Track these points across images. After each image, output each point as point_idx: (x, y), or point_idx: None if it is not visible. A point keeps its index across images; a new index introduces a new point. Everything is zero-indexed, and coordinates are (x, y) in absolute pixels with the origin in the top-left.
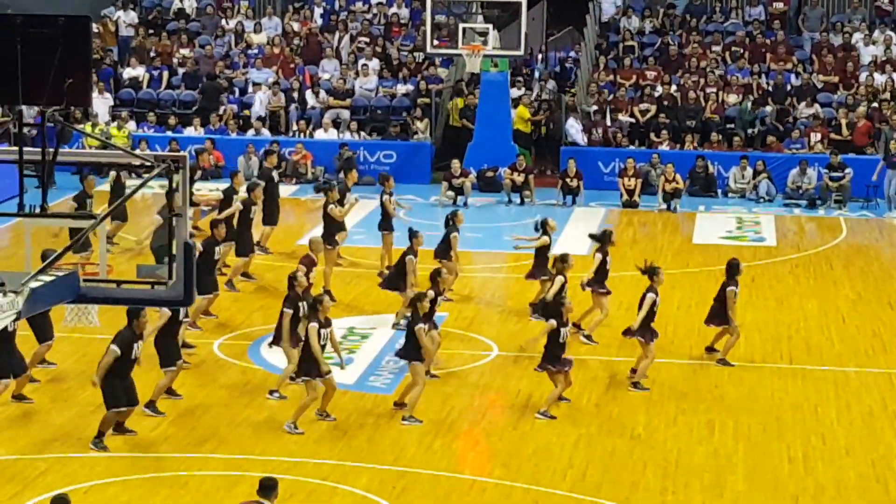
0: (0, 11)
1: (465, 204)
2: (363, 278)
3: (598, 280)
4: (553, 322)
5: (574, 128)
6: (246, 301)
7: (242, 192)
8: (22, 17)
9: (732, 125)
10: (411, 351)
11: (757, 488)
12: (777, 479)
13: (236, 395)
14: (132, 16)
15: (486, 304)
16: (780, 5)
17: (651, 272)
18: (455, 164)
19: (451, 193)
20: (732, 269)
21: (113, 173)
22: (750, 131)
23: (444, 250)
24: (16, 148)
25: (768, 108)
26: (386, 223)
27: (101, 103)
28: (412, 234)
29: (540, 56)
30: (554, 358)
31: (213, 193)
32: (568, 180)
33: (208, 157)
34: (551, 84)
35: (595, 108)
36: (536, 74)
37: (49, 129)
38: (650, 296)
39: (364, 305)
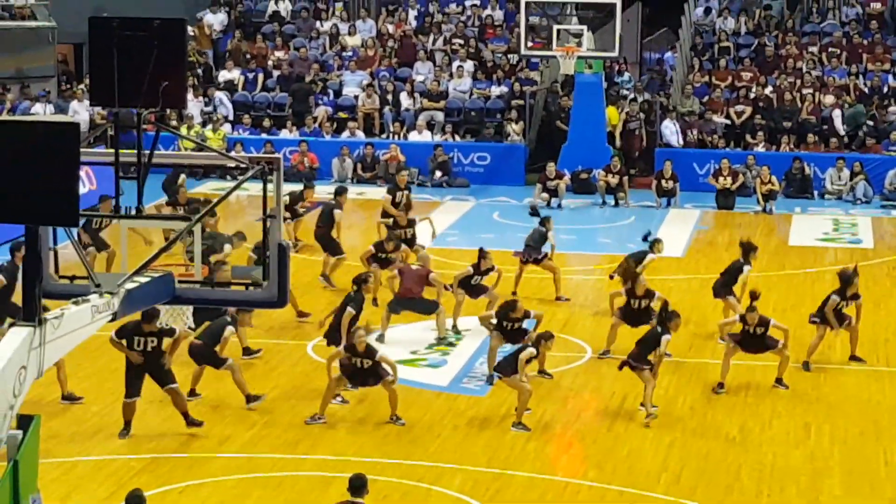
0: (97, 15)
1: (560, 206)
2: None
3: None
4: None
5: (669, 129)
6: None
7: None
8: (118, 21)
9: (828, 127)
10: (506, 368)
11: (853, 492)
12: (874, 483)
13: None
14: (221, 18)
15: (579, 307)
16: (878, 5)
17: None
18: (550, 166)
19: (545, 195)
20: (843, 281)
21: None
22: (859, 133)
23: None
24: (112, 150)
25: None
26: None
27: (197, 106)
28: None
29: (625, 68)
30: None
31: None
32: (663, 182)
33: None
34: (644, 93)
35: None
36: (627, 80)
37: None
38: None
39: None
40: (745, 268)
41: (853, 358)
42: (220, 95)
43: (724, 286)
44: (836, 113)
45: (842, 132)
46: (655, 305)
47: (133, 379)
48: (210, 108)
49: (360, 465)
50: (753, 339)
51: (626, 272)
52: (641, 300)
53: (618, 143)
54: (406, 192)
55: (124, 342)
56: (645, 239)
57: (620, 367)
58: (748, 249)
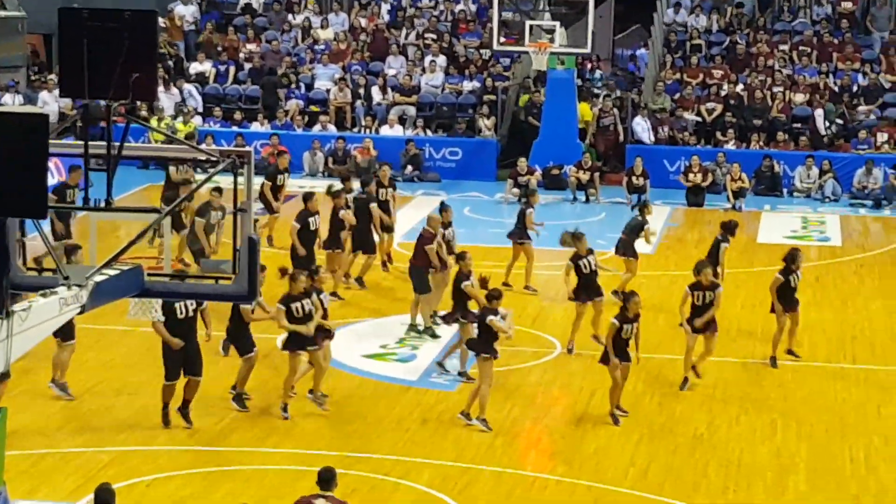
0: (67, 6)
1: None
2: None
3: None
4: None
5: (641, 126)
6: None
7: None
8: (89, 12)
9: (798, 125)
10: (482, 344)
11: (819, 488)
12: (839, 480)
13: (299, 390)
14: (192, 10)
15: (549, 301)
16: (849, 5)
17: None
18: (521, 162)
19: (516, 191)
20: (787, 259)
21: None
22: (829, 130)
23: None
24: (82, 142)
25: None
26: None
27: (168, 98)
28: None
29: (597, 66)
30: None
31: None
32: (634, 179)
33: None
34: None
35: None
36: (598, 77)
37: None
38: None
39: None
40: (723, 245)
41: (788, 352)
42: (189, 87)
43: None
44: (819, 112)
45: (823, 131)
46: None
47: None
48: (179, 100)
49: (328, 459)
50: (700, 308)
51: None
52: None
53: (588, 139)
54: (390, 189)
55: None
56: (637, 207)
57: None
58: (727, 226)
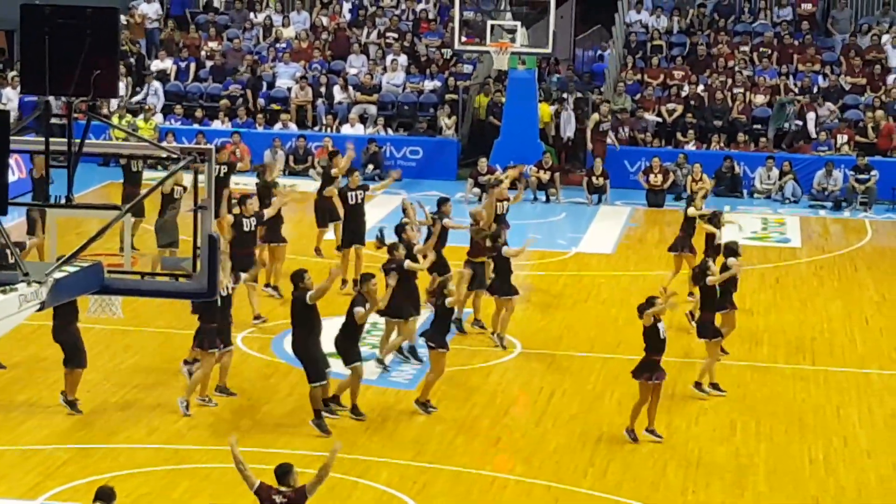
0: (29, 2)
1: None
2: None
3: None
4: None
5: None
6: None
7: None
8: (50, 8)
9: (759, 126)
10: (435, 336)
11: (778, 489)
12: (798, 480)
13: (259, 389)
14: (156, 7)
15: None
16: (809, 6)
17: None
18: (482, 161)
19: (476, 191)
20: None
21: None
22: (785, 126)
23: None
24: (42, 138)
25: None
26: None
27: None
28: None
29: (557, 70)
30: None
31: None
32: (594, 179)
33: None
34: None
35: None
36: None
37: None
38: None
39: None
40: (717, 232)
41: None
42: (156, 85)
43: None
44: (811, 116)
45: (814, 134)
46: None
47: None
48: (142, 97)
49: (287, 457)
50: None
51: None
52: None
53: (550, 139)
54: (360, 191)
55: None
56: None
57: None
58: (714, 216)
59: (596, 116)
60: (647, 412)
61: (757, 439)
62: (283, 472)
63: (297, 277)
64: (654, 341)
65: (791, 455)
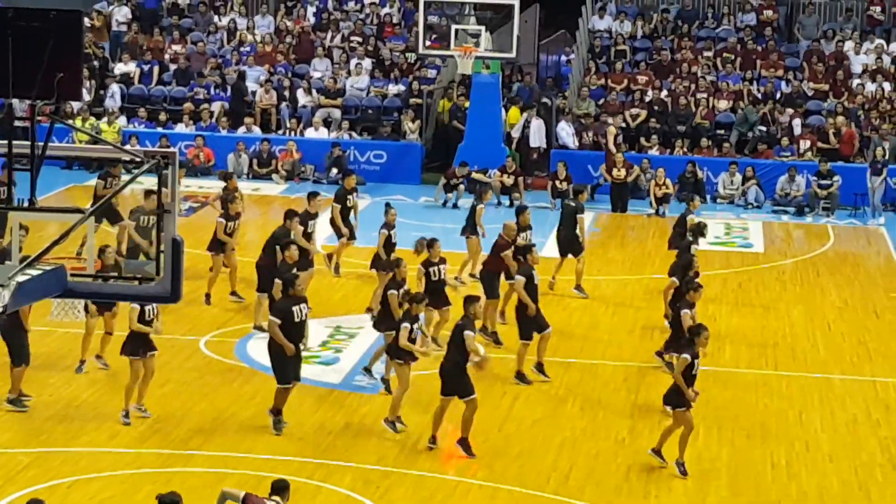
0: None
1: (455, 205)
2: (350, 277)
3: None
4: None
5: (565, 131)
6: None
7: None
8: (13, 11)
9: (722, 131)
10: (397, 349)
11: (740, 494)
12: (760, 485)
13: (222, 393)
14: (125, 11)
15: None
16: (770, 13)
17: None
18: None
19: (450, 196)
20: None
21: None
22: (747, 133)
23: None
24: (5, 141)
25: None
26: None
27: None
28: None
29: (519, 78)
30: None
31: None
32: (557, 183)
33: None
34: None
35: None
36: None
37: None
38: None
39: (351, 305)
40: (689, 216)
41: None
42: (114, 88)
43: (678, 237)
44: (797, 122)
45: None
46: None
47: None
48: (100, 100)
49: (250, 462)
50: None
51: None
52: None
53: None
54: (354, 195)
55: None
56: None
57: None
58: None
59: (613, 129)
60: (678, 441)
61: (719, 444)
62: (283, 486)
63: (289, 282)
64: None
65: (753, 460)
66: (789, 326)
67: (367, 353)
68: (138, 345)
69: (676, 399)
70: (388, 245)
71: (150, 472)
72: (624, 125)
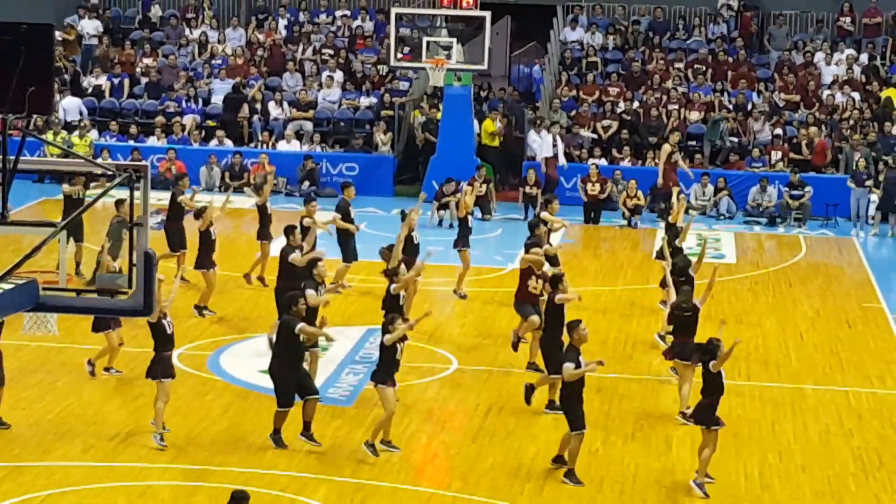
0: None
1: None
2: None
3: None
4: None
5: (536, 142)
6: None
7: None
8: None
9: (694, 143)
10: (378, 373)
11: None
12: (733, 496)
13: (195, 406)
14: (96, 24)
15: (445, 318)
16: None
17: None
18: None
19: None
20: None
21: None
22: (717, 143)
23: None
24: None
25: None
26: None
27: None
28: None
29: (491, 93)
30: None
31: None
32: (527, 188)
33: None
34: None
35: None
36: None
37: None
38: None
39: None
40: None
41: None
42: (76, 102)
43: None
44: (767, 131)
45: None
46: None
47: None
48: (62, 114)
49: (224, 475)
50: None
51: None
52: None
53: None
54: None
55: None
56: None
57: None
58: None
59: (668, 147)
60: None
61: (693, 455)
62: (242, 496)
63: (291, 301)
64: (714, 385)
65: (726, 471)
66: (762, 337)
67: (341, 364)
68: (166, 366)
69: (705, 417)
70: (411, 246)
71: (124, 485)
72: (596, 136)
